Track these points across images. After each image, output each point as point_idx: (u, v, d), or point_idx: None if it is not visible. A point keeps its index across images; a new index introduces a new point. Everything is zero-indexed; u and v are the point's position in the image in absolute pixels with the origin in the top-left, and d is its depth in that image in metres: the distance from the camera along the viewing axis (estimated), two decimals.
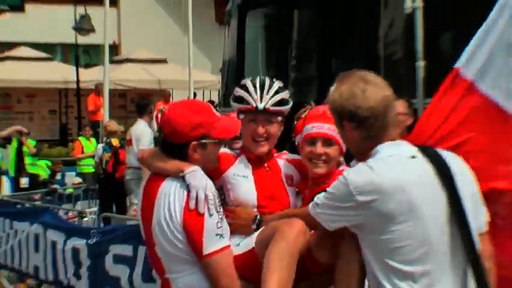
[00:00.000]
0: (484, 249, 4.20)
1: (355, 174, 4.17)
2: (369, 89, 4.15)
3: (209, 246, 4.71)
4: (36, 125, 27.65)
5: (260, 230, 4.91)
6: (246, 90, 5.18)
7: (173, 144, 4.89)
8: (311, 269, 4.86)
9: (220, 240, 4.75)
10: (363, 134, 4.23)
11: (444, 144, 4.88)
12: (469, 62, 5.70)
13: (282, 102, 5.16)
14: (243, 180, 5.24)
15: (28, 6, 26.71)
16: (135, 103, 19.75)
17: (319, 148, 5.11)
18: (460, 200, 4.13)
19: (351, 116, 4.18)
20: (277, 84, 5.23)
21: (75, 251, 11.23)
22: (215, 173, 5.17)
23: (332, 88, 4.31)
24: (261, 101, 5.09)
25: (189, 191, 4.72)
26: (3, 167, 20.67)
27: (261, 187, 5.23)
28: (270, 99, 5.11)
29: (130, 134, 16.06)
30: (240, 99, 5.22)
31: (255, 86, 5.17)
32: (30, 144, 21.63)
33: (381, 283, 4.12)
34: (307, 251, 4.73)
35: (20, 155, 20.95)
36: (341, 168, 5.35)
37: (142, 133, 15.78)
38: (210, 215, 4.70)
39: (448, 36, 9.42)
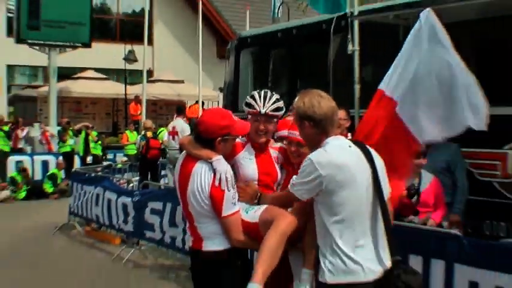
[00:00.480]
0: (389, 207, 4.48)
1: (316, 155, 4.29)
2: (322, 101, 4.38)
3: (226, 210, 4.75)
4: (97, 122, 27.50)
5: (265, 209, 4.85)
6: (254, 99, 5.21)
7: (204, 138, 4.91)
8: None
9: (233, 206, 4.80)
10: (317, 130, 4.40)
11: (367, 141, 4.97)
12: (388, 84, 5.76)
13: (277, 109, 5.19)
14: (249, 162, 5.26)
15: (93, 44, 26.41)
16: (170, 108, 20.02)
17: (293, 148, 5.16)
18: (378, 175, 4.36)
19: (309, 118, 4.37)
20: (275, 96, 5.26)
21: (124, 206, 11.36)
22: (230, 155, 5.14)
23: (297, 99, 4.49)
24: (263, 107, 5.14)
25: (215, 173, 4.77)
26: (76, 150, 20.52)
27: (261, 166, 5.25)
28: (269, 106, 5.15)
29: (172, 127, 16.28)
30: (249, 105, 5.23)
31: (260, 97, 5.21)
32: (93, 134, 21.59)
33: (328, 230, 4.25)
34: None
35: (86, 141, 20.85)
36: None
37: (184, 127, 16.03)
38: (228, 190, 4.76)
39: (375, 68, 9.40)
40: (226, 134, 4.91)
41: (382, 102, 5.80)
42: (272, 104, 5.19)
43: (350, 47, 8.61)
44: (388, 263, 4.36)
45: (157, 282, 9.56)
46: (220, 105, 17.48)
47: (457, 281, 5.66)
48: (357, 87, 8.55)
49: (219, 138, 4.86)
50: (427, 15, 5.65)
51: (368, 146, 4.58)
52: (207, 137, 4.91)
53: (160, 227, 10.27)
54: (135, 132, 21.76)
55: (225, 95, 13.06)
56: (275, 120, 5.29)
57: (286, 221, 4.66)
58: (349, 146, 4.44)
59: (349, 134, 7.54)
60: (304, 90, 4.56)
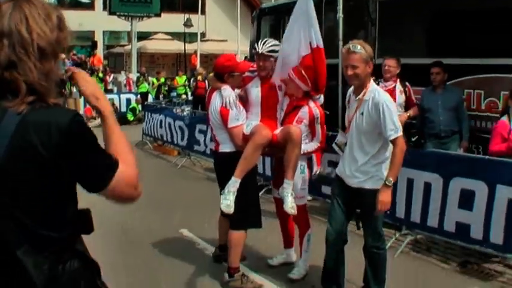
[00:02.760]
0: None
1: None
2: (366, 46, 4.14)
3: (231, 123, 4.92)
4: (166, 70, 27.39)
5: (254, 126, 4.87)
6: (257, 43, 5.03)
7: (218, 74, 5.10)
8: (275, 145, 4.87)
9: (236, 121, 4.93)
10: (370, 70, 4.16)
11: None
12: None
13: (272, 51, 4.94)
14: (255, 88, 5.09)
15: (163, 14, 26.47)
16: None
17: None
18: None
19: (371, 59, 4.15)
20: (273, 41, 5.00)
21: (180, 127, 11.47)
22: (241, 85, 5.12)
23: (368, 45, 4.18)
24: (260, 49, 4.93)
25: (222, 98, 4.94)
26: (148, 90, 20.78)
27: (263, 91, 5.06)
28: (265, 48, 4.92)
29: None
30: (254, 48, 5.07)
31: (260, 41, 5.02)
32: (161, 79, 21.83)
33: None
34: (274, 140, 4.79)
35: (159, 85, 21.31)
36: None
37: None
38: (232, 109, 4.92)
39: (353, 30, 9.31)
40: (232, 71, 5.04)
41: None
42: (268, 47, 4.95)
43: (340, 14, 8.61)
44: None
45: (201, 180, 9.84)
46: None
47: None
48: (340, 43, 8.60)
49: (227, 74, 5.01)
50: None
51: None
52: (219, 74, 5.09)
53: (204, 142, 10.58)
54: (183, 77, 21.66)
55: (250, 50, 13.14)
56: (271, 59, 4.99)
57: (260, 135, 4.71)
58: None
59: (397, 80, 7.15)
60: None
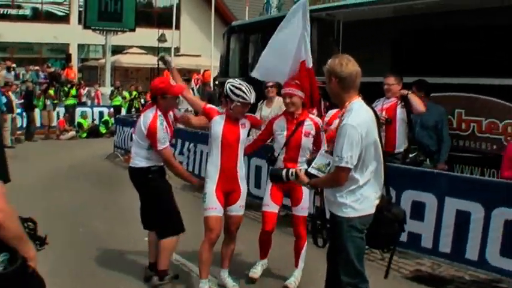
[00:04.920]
0: None
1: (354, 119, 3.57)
2: (349, 63, 3.65)
3: (160, 145, 4.91)
4: (139, 84, 27.30)
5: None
6: (245, 93, 4.76)
7: (152, 95, 5.08)
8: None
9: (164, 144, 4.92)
10: (341, 87, 3.66)
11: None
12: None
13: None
14: (219, 124, 4.83)
15: (137, 29, 26.65)
16: (191, 74, 20.23)
17: (288, 100, 5.00)
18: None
19: (336, 74, 3.65)
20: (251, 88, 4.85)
21: None
22: (208, 118, 4.92)
23: (330, 59, 3.75)
24: (252, 99, 4.78)
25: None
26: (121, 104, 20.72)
27: (226, 127, 4.83)
28: (253, 97, 4.82)
29: None
30: (241, 97, 4.75)
31: (247, 90, 4.77)
32: (134, 93, 21.87)
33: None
34: None
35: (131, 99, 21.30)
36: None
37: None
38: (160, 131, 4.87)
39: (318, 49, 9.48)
40: (164, 93, 4.93)
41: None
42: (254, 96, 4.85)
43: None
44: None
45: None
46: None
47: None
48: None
49: (159, 96, 4.93)
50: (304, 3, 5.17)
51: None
52: (153, 95, 5.09)
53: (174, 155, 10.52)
54: None
55: (220, 65, 13.31)
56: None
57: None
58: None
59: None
60: (336, 54, 3.88)
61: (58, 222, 7.38)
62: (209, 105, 5.08)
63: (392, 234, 3.79)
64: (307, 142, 5.02)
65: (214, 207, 4.80)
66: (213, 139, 4.88)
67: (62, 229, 7.01)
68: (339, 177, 3.59)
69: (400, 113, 6.57)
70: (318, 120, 5.12)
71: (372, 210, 3.69)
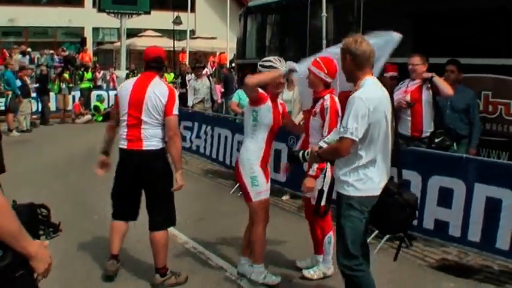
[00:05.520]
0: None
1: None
2: (363, 42, 3.64)
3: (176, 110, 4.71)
4: None
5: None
6: (271, 61, 4.76)
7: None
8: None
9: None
10: (354, 63, 3.66)
11: None
12: None
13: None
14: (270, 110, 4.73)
15: (152, 12, 26.30)
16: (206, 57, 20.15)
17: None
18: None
19: (350, 52, 3.65)
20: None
21: None
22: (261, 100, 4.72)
23: (345, 39, 3.74)
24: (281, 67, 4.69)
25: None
26: None
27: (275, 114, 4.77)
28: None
29: None
30: (272, 66, 4.71)
31: (275, 59, 4.78)
32: None
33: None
34: None
35: None
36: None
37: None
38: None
39: (337, 29, 9.37)
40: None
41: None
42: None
43: (324, 13, 8.59)
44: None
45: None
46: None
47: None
48: (324, 42, 8.66)
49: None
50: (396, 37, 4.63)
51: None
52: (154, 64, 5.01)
53: (190, 139, 10.43)
54: (171, 74, 21.63)
55: (237, 47, 13.17)
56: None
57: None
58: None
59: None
60: (353, 34, 3.87)
61: (73, 209, 7.28)
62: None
63: (402, 220, 3.69)
64: (313, 123, 4.78)
65: (266, 190, 4.83)
66: (263, 124, 4.73)
67: (76, 216, 6.90)
68: (341, 147, 3.58)
69: (427, 95, 6.28)
70: (328, 102, 4.68)
71: (376, 193, 3.64)
